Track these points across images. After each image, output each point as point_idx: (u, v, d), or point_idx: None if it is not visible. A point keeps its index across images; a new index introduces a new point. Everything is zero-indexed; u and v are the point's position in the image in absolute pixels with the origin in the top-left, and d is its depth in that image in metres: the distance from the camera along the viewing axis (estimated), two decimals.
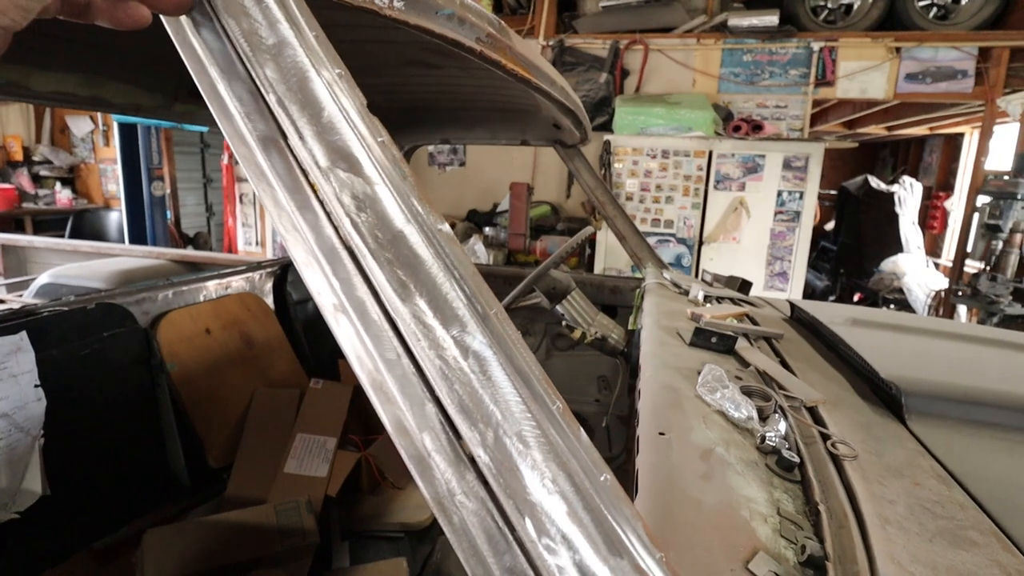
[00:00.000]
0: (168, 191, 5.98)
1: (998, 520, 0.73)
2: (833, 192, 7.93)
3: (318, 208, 0.40)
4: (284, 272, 2.27)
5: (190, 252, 3.73)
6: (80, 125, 6.74)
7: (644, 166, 4.51)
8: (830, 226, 7.92)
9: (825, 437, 0.84)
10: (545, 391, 0.40)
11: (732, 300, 1.73)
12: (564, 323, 1.85)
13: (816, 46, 4.43)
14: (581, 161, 2.27)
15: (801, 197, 4.23)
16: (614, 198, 2.34)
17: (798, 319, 1.65)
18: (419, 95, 1.75)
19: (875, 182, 6.71)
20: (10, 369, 1.16)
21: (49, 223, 6.23)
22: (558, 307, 1.85)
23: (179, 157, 6.72)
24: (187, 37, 0.41)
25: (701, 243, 4.48)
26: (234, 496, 1.49)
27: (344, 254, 0.40)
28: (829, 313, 1.52)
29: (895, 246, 6.35)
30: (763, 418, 0.88)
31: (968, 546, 0.67)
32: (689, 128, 4.36)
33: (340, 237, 0.40)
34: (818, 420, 0.90)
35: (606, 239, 4.54)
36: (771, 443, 0.81)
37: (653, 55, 4.82)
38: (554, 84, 1.13)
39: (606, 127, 4.74)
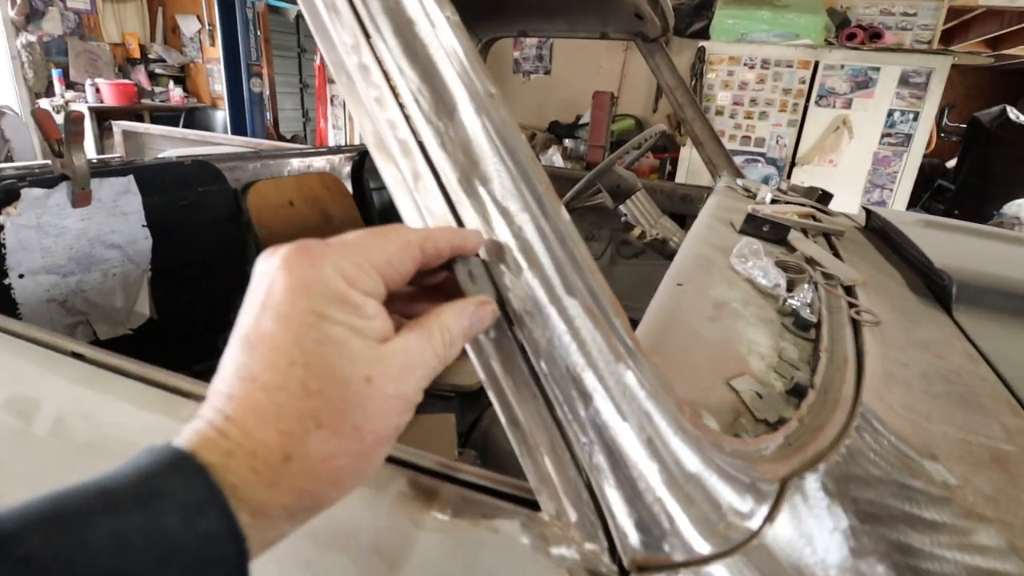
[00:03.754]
0: (267, 92, 6.27)
1: (1021, 397, 0.71)
2: (963, 126, 7.00)
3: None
4: (362, 159, 2.38)
5: (284, 144, 3.97)
6: (189, 24, 7.10)
7: (740, 77, 4.17)
8: (953, 164, 7.06)
9: (852, 306, 0.83)
10: (549, 199, 0.43)
11: (802, 205, 1.66)
12: (624, 219, 1.85)
13: None
14: (663, 58, 2.16)
15: (915, 119, 3.78)
16: (694, 99, 2.23)
17: (871, 227, 1.56)
18: None
19: (1015, 114, 5.84)
20: (121, 207, 1.34)
21: (164, 119, 6.72)
22: (621, 206, 1.83)
23: (277, 60, 7.01)
24: None
25: (793, 164, 4.18)
26: None
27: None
28: (906, 218, 1.43)
29: None
30: (791, 288, 0.88)
31: (975, 409, 0.66)
32: (796, 35, 3.95)
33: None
34: (852, 296, 0.89)
35: (689, 155, 4.33)
36: (792, 306, 0.81)
37: None
38: None
39: (703, 35, 4.39)
